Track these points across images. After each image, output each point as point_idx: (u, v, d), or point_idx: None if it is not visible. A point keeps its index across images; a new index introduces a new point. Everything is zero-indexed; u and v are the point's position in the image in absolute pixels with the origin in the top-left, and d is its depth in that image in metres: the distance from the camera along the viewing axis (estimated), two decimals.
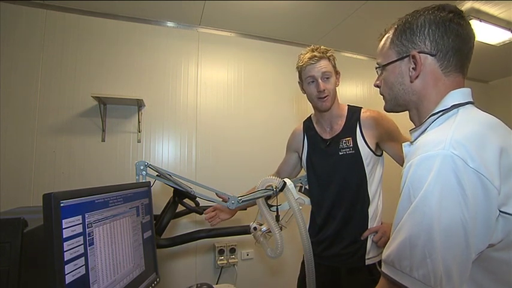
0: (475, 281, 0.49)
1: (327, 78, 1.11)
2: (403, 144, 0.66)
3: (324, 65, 1.10)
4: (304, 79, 1.15)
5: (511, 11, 1.89)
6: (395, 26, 0.65)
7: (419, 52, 0.60)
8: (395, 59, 0.64)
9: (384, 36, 0.69)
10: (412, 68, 0.61)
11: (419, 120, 0.64)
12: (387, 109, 0.72)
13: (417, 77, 0.61)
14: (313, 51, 1.11)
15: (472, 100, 0.59)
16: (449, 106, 0.57)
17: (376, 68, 0.70)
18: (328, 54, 1.12)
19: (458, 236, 0.44)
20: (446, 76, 0.60)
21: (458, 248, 0.44)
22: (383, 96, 0.71)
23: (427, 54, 0.60)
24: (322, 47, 1.14)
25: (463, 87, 0.60)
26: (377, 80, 0.72)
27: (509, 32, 2.09)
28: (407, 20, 0.62)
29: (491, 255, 0.47)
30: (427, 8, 0.61)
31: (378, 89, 0.73)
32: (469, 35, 0.60)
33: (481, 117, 0.54)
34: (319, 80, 1.10)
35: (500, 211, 0.45)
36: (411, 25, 0.61)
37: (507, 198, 0.45)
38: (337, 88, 1.18)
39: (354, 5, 1.83)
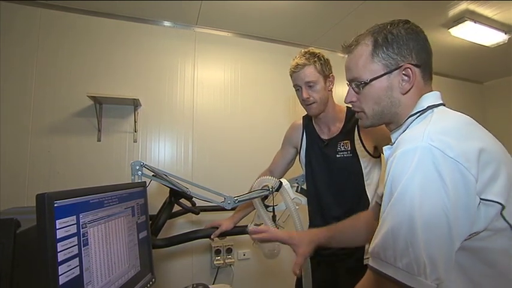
0: (464, 270, 0.50)
1: (311, 86, 1.10)
2: (383, 148, 0.66)
3: (307, 73, 1.09)
4: (293, 86, 1.17)
5: (506, 12, 1.91)
6: (373, 39, 0.63)
7: (412, 65, 0.61)
8: (383, 72, 0.62)
9: (354, 50, 0.68)
10: (403, 80, 0.61)
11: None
12: (368, 125, 0.70)
13: (410, 89, 0.61)
14: (301, 57, 1.10)
15: (443, 102, 0.62)
16: (425, 107, 0.60)
17: (358, 85, 0.66)
18: (313, 60, 1.09)
19: (441, 225, 0.45)
20: (425, 85, 0.63)
21: (441, 236, 0.45)
22: (362, 112, 0.69)
23: (415, 66, 0.61)
24: (310, 50, 1.12)
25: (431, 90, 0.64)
26: (350, 96, 0.70)
27: (504, 34, 2.11)
28: (390, 32, 0.62)
29: (477, 245, 0.49)
30: (399, 21, 0.63)
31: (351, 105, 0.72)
32: (430, 47, 0.64)
33: (456, 115, 0.57)
34: (303, 88, 1.11)
35: (480, 198, 0.47)
36: (396, 37, 0.61)
37: (485, 186, 0.47)
38: (334, 89, 1.18)
39: (351, 5, 1.84)
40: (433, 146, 0.47)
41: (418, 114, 0.60)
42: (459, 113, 0.57)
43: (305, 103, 1.13)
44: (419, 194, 0.46)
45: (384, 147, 0.66)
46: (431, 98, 0.61)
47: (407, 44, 0.61)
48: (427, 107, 0.59)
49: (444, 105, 0.61)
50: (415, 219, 0.45)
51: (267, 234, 0.80)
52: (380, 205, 0.81)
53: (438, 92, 0.63)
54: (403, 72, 0.61)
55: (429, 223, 0.45)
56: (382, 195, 0.80)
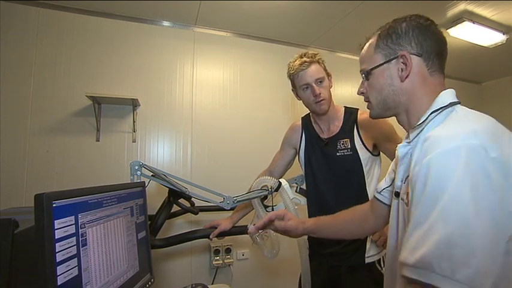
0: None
1: (320, 82, 1.12)
2: (398, 145, 0.66)
3: (315, 70, 1.11)
4: (299, 86, 1.15)
5: (504, 13, 1.92)
6: (378, 33, 0.67)
7: (408, 53, 0.62)
8: (383, 61, 0.65)
9: (365, 45, 0.71)
10: (401, 69, 0.63)
11: (409, 121, 0.66)
12: (374, 115, 0.72)
13: (407, 76, 0.62)
14: (302, 57, 1.12)
15: (459, 101, 0.62)
16: (447, 103, 0.58)
17: (362, 74, 0.71)
18: (317, 58, 1.13)
19: (492, 228, 0.42)
20: (431, 76, 0.63)
21: (493, 240, 0.42)
22: (369, 102, 0.72)
23: (414, 55, 0.62)
24: (309, 52, 1.15)
25: (445, 87, 0.64)
26: (361, 87, 0.73)
27: (502, 34, 2.12)
28: (391, 26, 0.65)
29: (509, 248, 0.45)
30: (406, 16, 0.65)
31: (362, 96, 0.73)
32: (445, 40, 0.65)
33: (484, 115, 0.55)
34: (314, 85, 1.11)
35: None
36: (396, 29, 0.64)
37: None
38: (333, 89, 1.19)
39: (350, 5, 1.84)
40: (477, 145, 0.45)
41: (440, 110, 0.58)
42: (481, 113, 0.56)
43: (316, 100, 1.12)
44: (472, 197, 0.43)
45: (398, 145, 0.66)
46: (451, 95, 0.61)
47: (407, 34, 0.63)
48: (449, 104, 0.58)
49: (460, 103, 0.60)
50: (471, 224, 0.42)
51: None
52: (378, 200, 0.82)
53: (453, 90, 0.63)
54: (401, 60, 0.62)
55: (484, 228, 0.42)
56: (381, 190, 0.81)
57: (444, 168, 0.46)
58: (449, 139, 0.48)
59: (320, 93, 1.10)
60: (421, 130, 0.60)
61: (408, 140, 0.64)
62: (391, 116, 0.71)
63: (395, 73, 0.64)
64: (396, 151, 0.69)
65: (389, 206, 0.80)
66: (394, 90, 0.65)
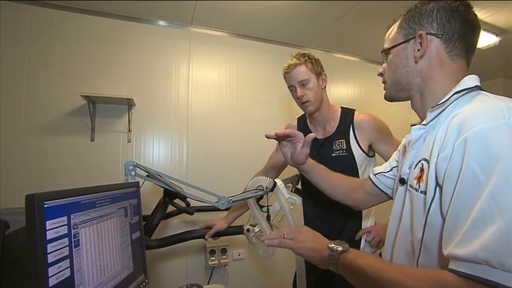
0: None
1: (303, 84, 1.13)
2: (412, 128, 0.62)
3: (300, 72, 1.12)
4: (288, 87, 1.19)
5: (497, 15, 1.94)
6: (405, 13, 0.65)
7: (426, 33, 0.60)
8: (401, 41, 0.64)
9: (391, 26, 0.70)
10: (418, 49, 0.61)
11: (423, 106, 0.63)
12: (388, 96, 0.70)
13: (422, 57, 0.60)
14: (292, 59, 1.14)
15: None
16: (473, 86, 0.55)
17: (382, 53, 0.69)
18: (304, 59, 1.13)
19: None
20: (451, 60, 0.60)
21: None
22: (385, 83, 0.70)
23: (433, 35, 0.59)
24: (300, 52, 1.17)
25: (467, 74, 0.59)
26: (381, 68, 0.71)
27: (495, 36, 2.14)
28: (417, 6, 0.63)
29: None
30: None
31: (381, 77, 0.72)
32: (475, 23, 0.60)
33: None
34: (297, 87, 1.13)
35: None
36: (420, 10, 0.62)
37: None
38: (328, 89, 1.19)
39: (346, 6, 1.85)
40: None
41: (465, 92, 0.54)
42: None
43: (300, 101, 1.15)
44: None
45: (413, 127, 0.62)
46: (476, 79, 0.57)
47: (430, 14, 0.60)
48: (475, 86, 0.55)
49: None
50: None
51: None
52: (371, 181, 0.83)
53: (477, 76, 0.59)
54: (418, 40, 0.60)
55: None
56: (377, 173, 0.83)
57: (487, 148, 0.41)
58: (489, 115, 0.43)
59: (302, 96, 1.12)
60: (442, 111, 0.57)
61: (425, 122, 0.59)
62: (405, 100, 0.68)
63: (412, 53, 0.62)
64: (404, 139, 0.68)
65: (380, 189, 0.82)
66: (408, 71, 0.63)
